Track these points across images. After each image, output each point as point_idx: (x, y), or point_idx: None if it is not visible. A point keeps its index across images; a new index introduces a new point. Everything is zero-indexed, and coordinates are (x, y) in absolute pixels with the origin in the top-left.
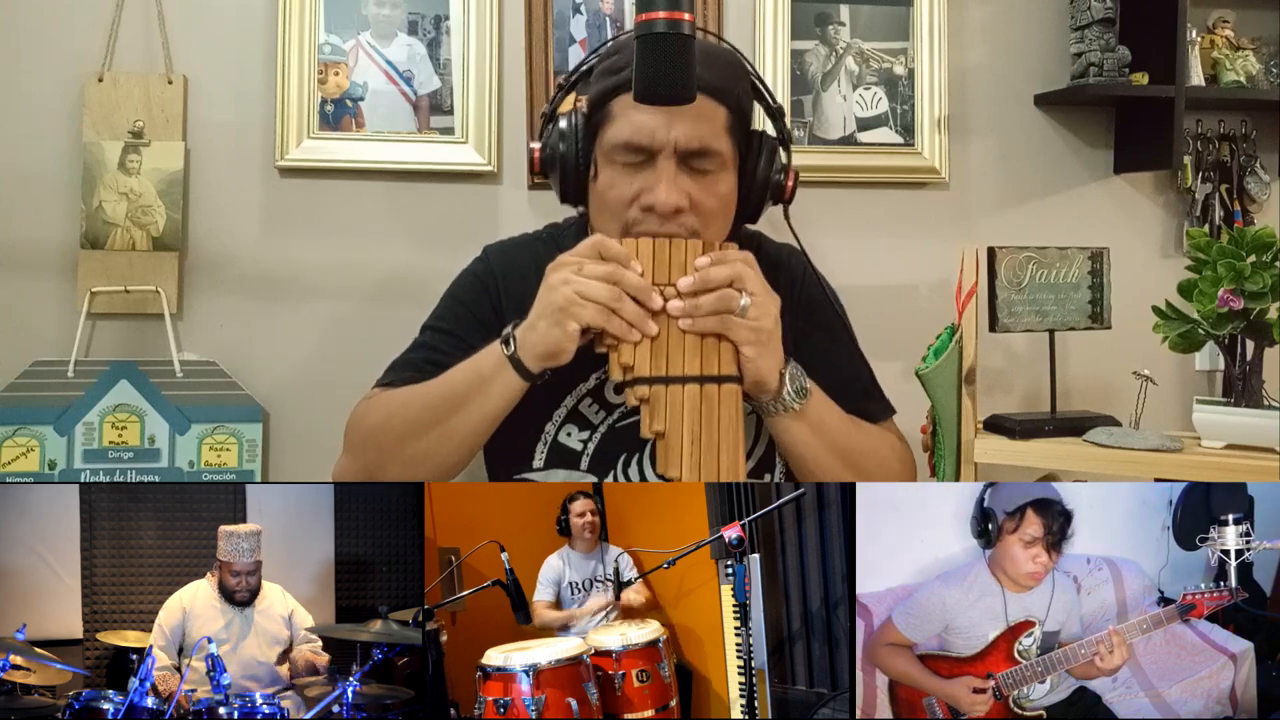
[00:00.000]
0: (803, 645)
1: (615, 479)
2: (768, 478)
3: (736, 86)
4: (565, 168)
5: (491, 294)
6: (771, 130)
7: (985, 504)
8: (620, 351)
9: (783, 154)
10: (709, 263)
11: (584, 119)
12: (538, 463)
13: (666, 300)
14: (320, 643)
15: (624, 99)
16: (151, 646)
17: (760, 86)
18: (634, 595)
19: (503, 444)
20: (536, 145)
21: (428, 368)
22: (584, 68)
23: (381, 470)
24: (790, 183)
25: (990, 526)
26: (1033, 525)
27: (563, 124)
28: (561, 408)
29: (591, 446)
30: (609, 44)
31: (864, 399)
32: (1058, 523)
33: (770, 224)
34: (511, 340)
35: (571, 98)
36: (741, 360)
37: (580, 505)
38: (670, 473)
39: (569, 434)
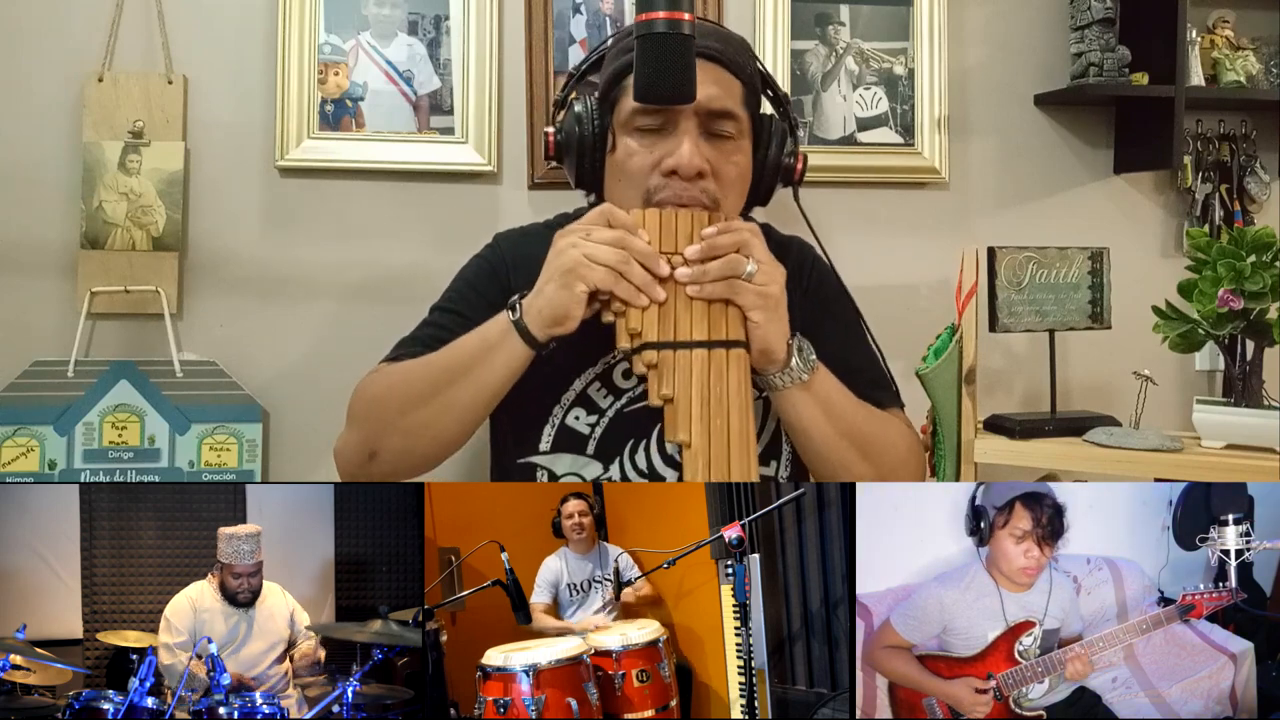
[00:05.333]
0: (803, 645)
1: (622, 465)
2: (773, 464)
3: (748, 65)
4: (582, 148)
5: (501, 280)
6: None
7: (977, 502)
8: (628, 317)
9: (790, 141)
10: (715, 232)
11: (599, 99)
12: (544, 446)
13: (674, 268)
14: (317, 638)
15: None
16: (153, 648)
17: (766, 75)
18: (636, 593)
19: (510, 427)
20: (551, 130)
21: (434, 344)
22: (596, 55)
23: (381, 441)
24: (800, 165)
25: (982, 524)
26: (1021, 519)
27: (578, 107)
28: (570, 391)
29: (599, 431)
30: (622, 30)
31: (873, 387)
32: (1047, 515)
33: (777, 221)
34: (518, 307)
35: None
36: (749, 326)
37: (571, 506)
38: (680, 436)
39: (577, 418)
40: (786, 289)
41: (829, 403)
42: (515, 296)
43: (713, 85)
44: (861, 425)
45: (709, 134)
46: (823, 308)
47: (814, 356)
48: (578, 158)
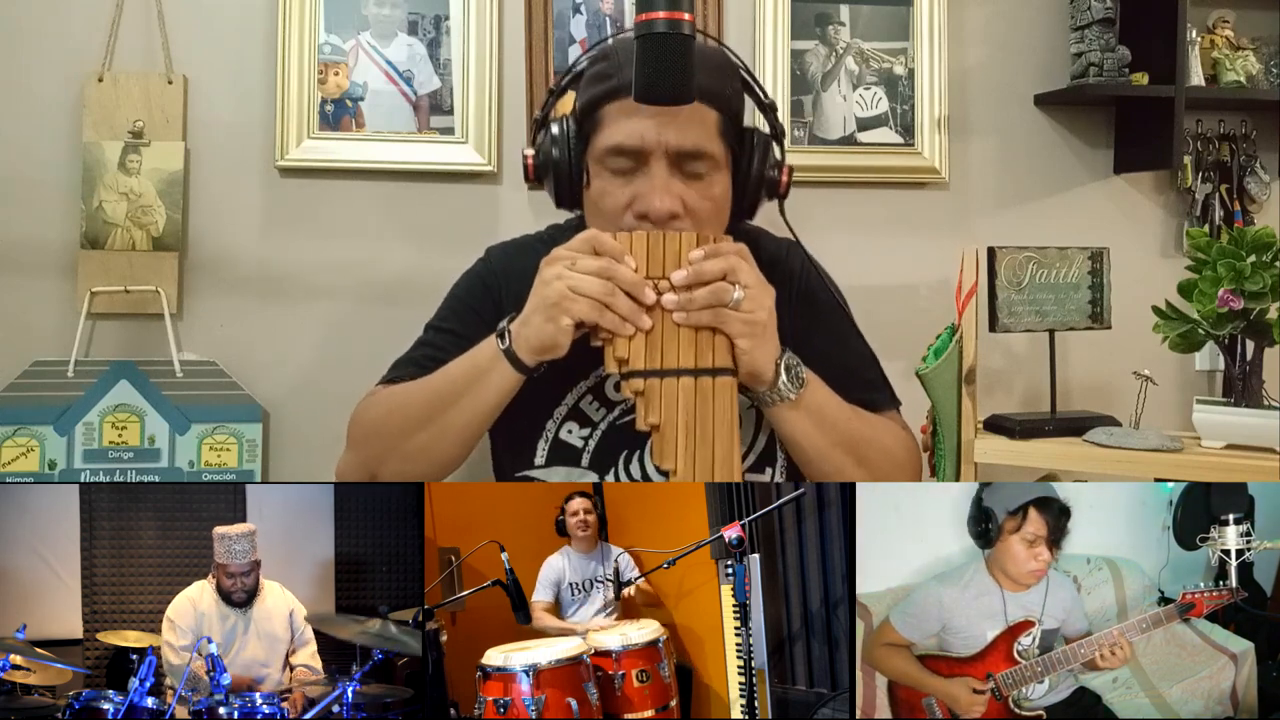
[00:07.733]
0: (803, 645)
1: (616, 476)
2: (769, 471)
3: (727, 88)
4: (559, 174)
5: (494, 294)
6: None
7: (984, 503)
8: (615, 345)
9: (776, 150)
10: (702, 256)
11: (575, 126)
12: (539, 460)
13: (660, 294)
14: (314, 646)
15: (613, 106)
16: (153, 648)
17: (751, 82)
18: (635, 591)
19: (507, 442)
20: (530, 152)
21: (429, 364)
22: (573, 73)
23: (381, 464)
24: (785, 178)
25: (989, 526)
26: (1035, 524)
27: (554, 130)
28: (562, 405)
29: (592, 444)
30: (596, 49)
31: (868, 390)
32: (1059, 520)
33: (771, 223)
34: (506, 335)
35: (569, 98)
36: (736, 353)
37: (576, 504)
38: (665, 464)
39: (570, 431)
40: (780, 294)
41: (821, 415)
42: (504, 321)
43: (684, 124)
44: (855, 433)
45: (682, 172)
46: (815, 313)
47: (803, 373)
48: (555, 184)
